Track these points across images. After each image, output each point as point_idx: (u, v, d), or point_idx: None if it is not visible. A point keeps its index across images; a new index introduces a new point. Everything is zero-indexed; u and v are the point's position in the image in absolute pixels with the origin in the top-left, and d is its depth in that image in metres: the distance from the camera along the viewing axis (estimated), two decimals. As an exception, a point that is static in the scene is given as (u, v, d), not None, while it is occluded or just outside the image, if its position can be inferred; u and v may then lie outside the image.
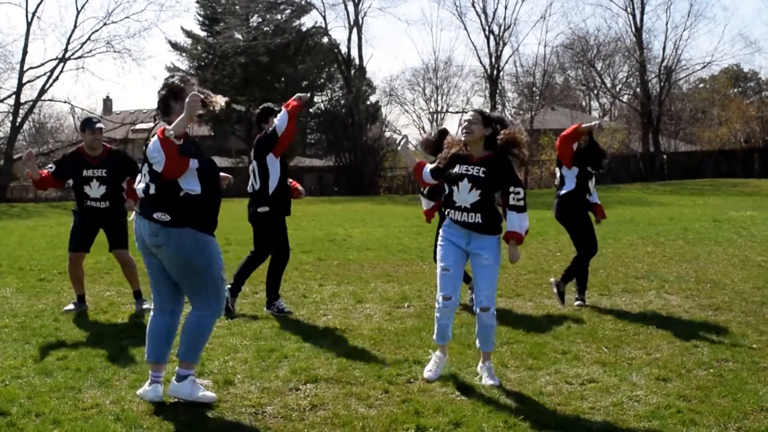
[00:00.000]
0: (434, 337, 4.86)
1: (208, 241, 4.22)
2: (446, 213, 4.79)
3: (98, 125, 6.78)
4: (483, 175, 4.63)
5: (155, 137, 4.01)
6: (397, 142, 5.27)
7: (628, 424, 3.91)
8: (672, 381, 4.58)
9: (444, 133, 7.20)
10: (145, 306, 6.76)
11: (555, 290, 6.85)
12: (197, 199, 4.15)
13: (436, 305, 4.79)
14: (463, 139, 4.75)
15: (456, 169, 4.72)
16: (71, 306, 6.87)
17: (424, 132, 44.77)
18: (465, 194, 4.64)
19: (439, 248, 4.83)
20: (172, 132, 3.96)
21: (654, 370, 4.81)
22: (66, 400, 4.26)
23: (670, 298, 7.28)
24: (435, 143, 7.15)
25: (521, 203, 4.67)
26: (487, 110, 4.90)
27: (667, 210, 19.59)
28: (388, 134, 43.84)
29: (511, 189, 4.65)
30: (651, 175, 37.35)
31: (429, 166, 5.03)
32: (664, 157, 39.43)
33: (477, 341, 4.77)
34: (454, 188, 4.70)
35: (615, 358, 5.10)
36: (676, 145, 43.11)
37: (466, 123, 4.73)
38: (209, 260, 4.20)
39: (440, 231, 4.90)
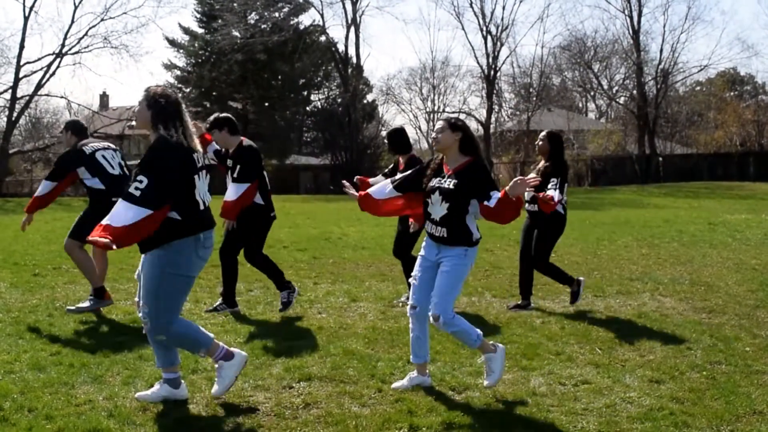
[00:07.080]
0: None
1: None
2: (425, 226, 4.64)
3: None
4: (453, 188, 4.43)
5: None
6: None
7: (621, 425, 3.92)
8: (665, 383, 4.60)
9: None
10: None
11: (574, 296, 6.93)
12: None
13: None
14: (434, 148, 4.63)
15: (432, 182, 4.56)
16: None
17: (421, 132, 44.87)
18: (437, 207, 4.48)
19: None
20: None
21: (647, 372, 4.82)
22: (59, 395, 4.26)
23: (664, 301, 7.29)
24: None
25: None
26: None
27: (662, 212, 19.63)
28: (384, 133, 43.83)
29: (492, 194, 4.35)
30: (646, 177, 37.44)
31: (383, 185, 4.80)
32: (660, 159, 39.50)
33: None
34: (428, 201, 4.56)
35: (608, 360, 5.11)
36: (671, 148, 43.23)
37: (434, 135, 4.61)
38: None
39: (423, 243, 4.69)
